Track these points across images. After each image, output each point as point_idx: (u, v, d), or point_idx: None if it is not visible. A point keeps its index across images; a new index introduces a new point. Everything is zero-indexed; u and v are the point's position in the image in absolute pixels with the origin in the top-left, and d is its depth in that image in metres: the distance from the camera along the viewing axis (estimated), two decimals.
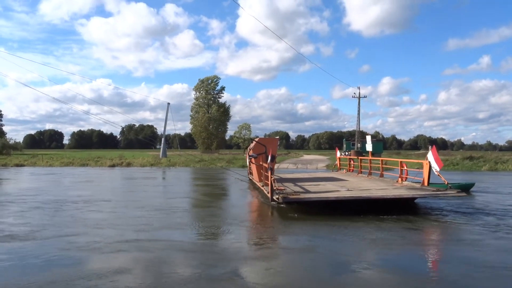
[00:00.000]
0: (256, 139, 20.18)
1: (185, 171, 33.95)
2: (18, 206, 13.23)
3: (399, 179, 15.25)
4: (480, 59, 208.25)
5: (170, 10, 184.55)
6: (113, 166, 40.13)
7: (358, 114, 58.59)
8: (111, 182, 24.12)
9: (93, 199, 15.00)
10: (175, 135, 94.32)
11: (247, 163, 24.36)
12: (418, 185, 13.75)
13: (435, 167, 12.83)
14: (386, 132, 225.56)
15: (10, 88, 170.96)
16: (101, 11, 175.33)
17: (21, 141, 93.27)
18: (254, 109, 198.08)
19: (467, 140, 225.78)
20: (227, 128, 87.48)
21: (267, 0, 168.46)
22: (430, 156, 12.98)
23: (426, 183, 13.36)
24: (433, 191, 12.48)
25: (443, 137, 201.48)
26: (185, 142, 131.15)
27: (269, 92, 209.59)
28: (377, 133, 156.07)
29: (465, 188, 16.20)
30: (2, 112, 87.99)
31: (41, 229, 9.53)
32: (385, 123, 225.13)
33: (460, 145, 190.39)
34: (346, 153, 47.91)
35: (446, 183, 12.89)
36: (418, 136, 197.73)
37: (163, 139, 58.64)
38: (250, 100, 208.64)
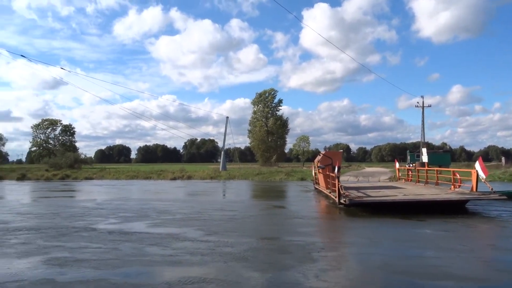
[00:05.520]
0: (323, 152, 23.85)
1: (245, 184, 34.48)
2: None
3: (452, 186, 17.42)
4: None
5: (235, 25, 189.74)
6: (174, 179, 41.69)
7: (422, 124, 56.27)
8: (217, 195, 25.15)
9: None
10: (235, 149, 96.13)
11: (313, 174, 27.66)
12: (467, 191, 15.68)
13: (482, 175, 14.50)
14: (455, 143, 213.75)
15: (85, 107, 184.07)
16: (170, 30, 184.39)
17: (92, 156, 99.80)
18: (315, 121, 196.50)
19: None
20: (285, 141, 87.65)
21: (332, 10, 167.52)
22: (477, 165, 14.60)
23: (474, 189, 15.18)
24: (478, 195, 14.78)
25: None
26: (245, 155, 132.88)
27: (331, 104, 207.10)
28: (444, 144, 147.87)
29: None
30: (76, 130, 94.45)
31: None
32: (454, 133, 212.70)
33: None
34: (410, 164, 46.06)
35: (491, 189, 14.94)
36: (489, 147, 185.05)
37: (222, 153, 60.07)
38: (311, 112, 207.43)
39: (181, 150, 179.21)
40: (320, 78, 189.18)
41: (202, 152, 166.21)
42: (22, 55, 32.69)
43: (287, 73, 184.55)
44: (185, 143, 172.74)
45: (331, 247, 9.23)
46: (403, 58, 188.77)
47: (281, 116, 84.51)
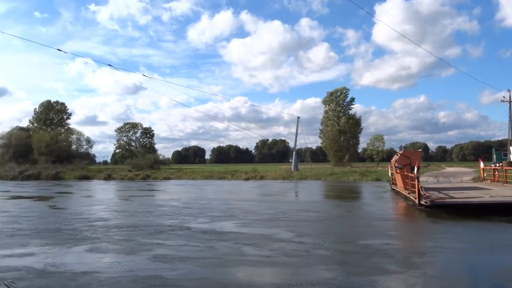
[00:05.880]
0: (401, 152, 22.80)
1: (319, 184, 34.12)
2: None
3: None
4: None
5: (305, 25, 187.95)
6: (247, 179, 42.35)
7: (510, 120, 51.88)
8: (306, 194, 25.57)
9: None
10: (306, 149, 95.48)
11: (389, 174, 26.80)
12: None
13: None
14: None
15: (162, 110, 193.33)
16: (240, 32, 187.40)
17: (169, 157, 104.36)
18: (390, 119, 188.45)
19: None
20: (358, 140, 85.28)
21: (406, 3, 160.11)
22: None
23: None
24: None
25: None
26: (317, 155, 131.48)
27: (406, 101, 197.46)
28: None
29: None
30: (155, 132, 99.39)
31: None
32: None
33: None
34: (497, 164, 42.63)
35: None
36: None
37: (294, 153, 59.90)
38: (385, 110, 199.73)
39: (253, 151, 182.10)
40: (395, 74, 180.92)
41: (273, 153, 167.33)
42: (109, 64, 35.13)
43: (359, 70, 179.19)
44: (257, 143, 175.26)
45: (431, 252, 8.71)
46: (486, 50, 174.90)
47: (353, 115, 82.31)
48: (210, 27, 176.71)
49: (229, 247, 8.92)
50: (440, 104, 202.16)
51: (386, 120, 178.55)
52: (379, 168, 55.91)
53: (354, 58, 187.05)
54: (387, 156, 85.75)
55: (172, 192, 27.70)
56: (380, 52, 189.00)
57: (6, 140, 69.03)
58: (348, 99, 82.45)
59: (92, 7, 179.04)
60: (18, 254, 8.68)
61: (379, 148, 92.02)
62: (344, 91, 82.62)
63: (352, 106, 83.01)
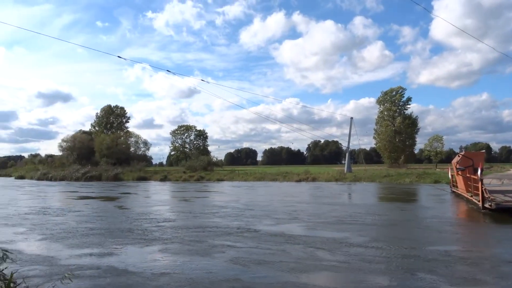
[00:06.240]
0: (462, 153, 22.26)
1: (375, 186, 33.16)
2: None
3: None
4: None
5: (358, 23, 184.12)
6: (299, 181, 41.97)
7: None
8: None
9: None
10: (360, 150, 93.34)
11: (449, 176, 26.02)
12: None
13: None
14: None
15: (215, 113, 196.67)
16: (292, 34, 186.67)
17: (222, 159, 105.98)
18: (449, 119, 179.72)
19: None
20: (415, 141, 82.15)
21: None
22: None
23: None
24: None
25: None
26: (371, 156, 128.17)
27: (467, 100, 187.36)
28: None
29: None
30: (208, 134, 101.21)
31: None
32: None
33: None
34: None
35: None
36: None
37: (347, 154, 58.83)
38: (444, 109, 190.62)
39: (305, 152, 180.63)
40: (454, 71, 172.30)
41: (325, 154, 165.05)
42: (167, 70, 35.99)
43: (416, 68, 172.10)
44: (309, 145, 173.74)
45: None
46: None
47: (409, 115, 79.39)
48: (262, 30, 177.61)
49: (302, 251, 8.74)
50: (504, 102, 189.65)
51: (445, 119, 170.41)
52: (437, 169, 53.56)
53: (411, 55, 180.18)
54: (446, 157, 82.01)
55: (229, 193, 27.97)
56: (438, 49, 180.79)
57: (71, 143, 73.16)
58: (404, 99, 79.73)
59: (149, 14, 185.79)
60: (98, 253, 9.00)
61: (438, 149, 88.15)
62: (399, 91, 79.98)
63: (408, 106, 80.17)
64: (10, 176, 72.55)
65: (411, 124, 79.03)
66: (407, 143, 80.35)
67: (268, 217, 14.50)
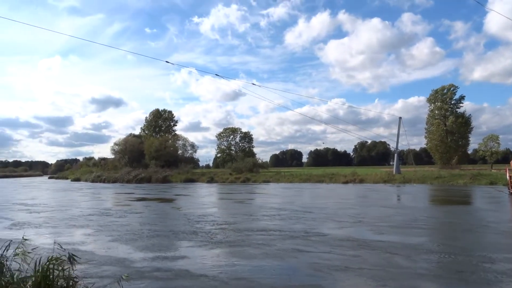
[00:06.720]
0: None
1: (427, 188, 31.87)
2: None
3: None
4: None
5: (406, 20, 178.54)
6: (346, 182, 41.09)
7: None
8: None
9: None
10: (409, 151, 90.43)
11: (507, 177, 24.62)
12: None
13: None
14: None
15: (260, 115, 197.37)
16: (337, 33, 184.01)
17: (267, 161, 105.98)
18: (505, 117, 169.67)
19: None
20: (468, 141, 78.44)
21: None
22: None
23: None
24: None
25: None
26: (420, 157, 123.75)
27: None
28: None
29: None
30: (253, 136, 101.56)
31: None
32: None
33: None
34: None
35: None
36: None
37: (396, 155, 57.12)
38: (500, 107, 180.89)
39: (352, 153, 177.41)
40: (511, 67, 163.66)
41: (373, 155, 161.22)
42: (216, 74, 36.23)
43: (469, 65, 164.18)
44: (355, 146, 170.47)
45: None
46: None
47: (462, 114, 75.85)
48: (307, 30, 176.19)
49: (379, 257, 8.38)
50: None
51: (501, 118, 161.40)
52: (493, 170, 50.80)
53: (463, 51, 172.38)
54: (502, 157, 77.82)
55: (280, 195, 27.77)
56: (493, 44, 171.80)
57: (122, 146, 75.79)
58: (456, 97, 76.30)
59: (195, 19, 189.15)
60: (171, 256, 9.04)
61: (493, 149, 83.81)
62: (451, 88, 76.63)
63: (461, 104, 76.67)
64: (67, 178, 75.99)
65: (464, 123, 75.51)
66: (460, 143, 76.84)
67: (330, 220, 14.18)
